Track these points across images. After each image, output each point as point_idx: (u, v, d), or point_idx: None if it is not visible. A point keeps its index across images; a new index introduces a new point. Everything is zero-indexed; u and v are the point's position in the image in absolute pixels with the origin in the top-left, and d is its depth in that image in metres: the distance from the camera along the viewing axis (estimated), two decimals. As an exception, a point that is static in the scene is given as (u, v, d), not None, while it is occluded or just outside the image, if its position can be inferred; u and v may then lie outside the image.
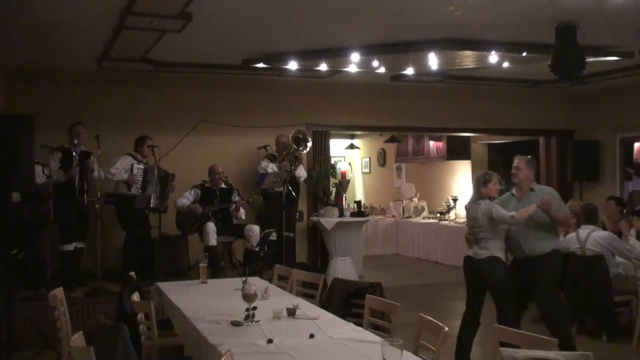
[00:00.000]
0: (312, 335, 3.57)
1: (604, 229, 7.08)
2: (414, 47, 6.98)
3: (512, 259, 5.53)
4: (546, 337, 3.22)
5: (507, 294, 5.24)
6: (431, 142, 12.72)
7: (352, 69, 7.91)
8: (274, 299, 4.59)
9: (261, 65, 7.78)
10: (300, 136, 8.50)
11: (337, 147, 14.06)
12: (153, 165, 7.76)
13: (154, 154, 7.80)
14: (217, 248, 7.94)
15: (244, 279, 4.03)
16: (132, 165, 7.65)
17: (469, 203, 5.49)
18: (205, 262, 5.59)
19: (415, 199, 13.31)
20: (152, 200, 7.67)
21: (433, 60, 7.35)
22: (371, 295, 4.33)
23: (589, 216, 6.79)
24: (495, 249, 5.23)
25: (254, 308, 3.90)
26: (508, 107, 10.52)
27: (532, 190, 5.41)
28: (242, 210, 8.09)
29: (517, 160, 5.47)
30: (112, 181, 7.63)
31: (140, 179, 7.68)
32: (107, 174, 7.52)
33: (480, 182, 5.32)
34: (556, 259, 5.42)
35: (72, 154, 7.19)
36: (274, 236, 7.88)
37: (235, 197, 8.11)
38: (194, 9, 5.53)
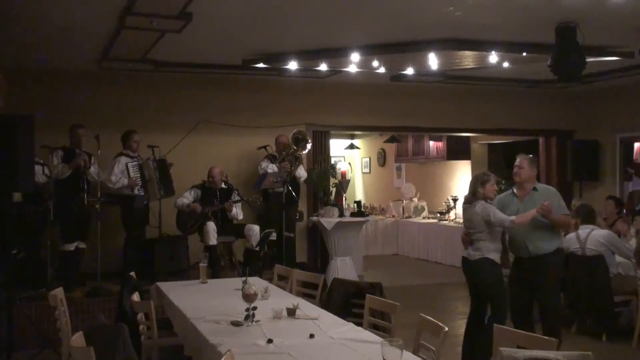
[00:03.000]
0: (312, 335, 3.58)
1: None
2: (414, 47, 6.98)
3: (514, 259, 5.51)
4: (546, 337, 3.22)
5: (501, 295, 5.23)
6: (431, 142, 12.72)
7: (352, 69, 7.91)
8: (274, 299, 4.59)
9: (261, 65, 7.78)
10: (300, 137, 8.50)
11: (337, 147, 14.07)
12: (146, 158, 7.73)
13: (153, 154, 7.80)
14: (217, 248, 7.94)
15: (244, 279, 4.04)
16: (126, 165, 7.58)
17: (464, 203, 5.46)
18: (205, 262, 5.59)
19: (415, 199, 13.31)
20: (159, 192, 7.65)
21: (433, 60, 7.35)
22: (371, 295, 4.33)
23: (587, 216, 6.80)
24: (488, 250, 5.19)
25: (254, 308, 3.90)
26: (508, 107, 10.52)
27: (534, 189, 5.35)
28: (235, 210, 8.02)
29: (520, 159, 5.38)
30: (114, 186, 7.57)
31: (138, 175, 7.63)
32: (108, 183, 7.41)
33: (478, 182, 5.27)
34: (560, 257, 5.42)
35: (75, 151, 7.21)
36: (274, 236, 7.89)
37: (235, 197, 8.10)
38: (194, 9, 5.53)
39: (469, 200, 5.32)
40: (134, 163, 7.65)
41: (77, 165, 7.13)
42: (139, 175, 7.64)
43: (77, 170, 7.17)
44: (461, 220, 11.40)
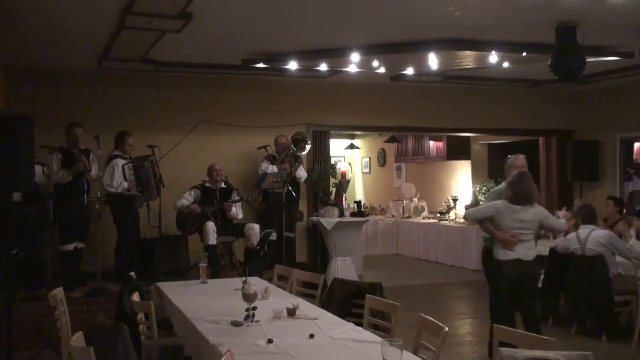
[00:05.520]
0: (312, 335, 3.58)
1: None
2: (414, 47, 6.98)
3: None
4: (546, 337, 3.22)
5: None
6: (431, 142, 12.72)
7: (352, 69, 7.91)
8: (274, 299, 4.59)
9: (261, 65, 7.78)
10: (299, 137, 8.50)
11: (337, 147, 14.07)
12: (139, 158, 7.68)
13: (153, 153, 7.79)
14: (217, 248, 7.94)
15: (244, 279, 4.04)
16: (123, 167, 7.50)
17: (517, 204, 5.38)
18: (205, 262, 5.59)
19: (415, 199, 13.31)
20: (153, 194, 7.64)
21: (433, 60, 7.35)
22: (371, 295, 4.33)
23: (588, 216, 6.80)
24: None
25: (254, 308, 3.90)
26: (508, 107, 10.52)
27: None
28: (234, 210, 8.02)
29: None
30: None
31: (133, 178, 7.56)
32: (110, 188, 7.36)
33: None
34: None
35: (73, 153, 7.20)
36: (274, 236, 7.89)
37: (235, 197, 8.10)
38: (194, 9, 5.53)
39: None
40: (129, 165, 7.63)
41: (78, 172, 7.10)
42: (134, 178, 7.61)
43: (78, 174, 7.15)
44: (461, 220, 11.44)
